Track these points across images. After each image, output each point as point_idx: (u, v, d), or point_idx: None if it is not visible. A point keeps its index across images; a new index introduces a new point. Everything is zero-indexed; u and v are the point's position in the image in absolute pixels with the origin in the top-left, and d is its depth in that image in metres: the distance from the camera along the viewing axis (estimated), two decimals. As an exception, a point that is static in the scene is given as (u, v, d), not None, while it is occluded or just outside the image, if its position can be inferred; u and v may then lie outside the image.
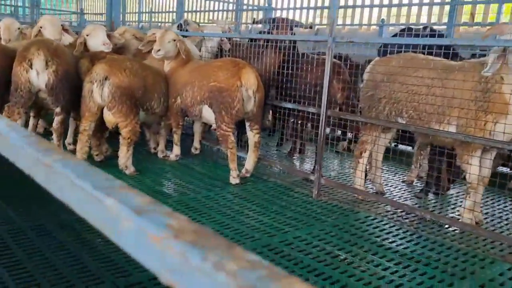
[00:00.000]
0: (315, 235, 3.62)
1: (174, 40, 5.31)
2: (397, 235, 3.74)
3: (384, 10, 13.82)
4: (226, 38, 6.12)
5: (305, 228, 3.75)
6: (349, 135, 6.60)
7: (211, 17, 14.16)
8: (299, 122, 6.03)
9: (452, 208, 4.57)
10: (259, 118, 5.08)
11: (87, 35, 5.53)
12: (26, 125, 5.47)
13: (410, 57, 4.31)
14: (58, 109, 4.66)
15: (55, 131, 4.74)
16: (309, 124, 6.39)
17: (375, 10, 13.88)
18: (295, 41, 5.47)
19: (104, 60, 4.92)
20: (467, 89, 3.82)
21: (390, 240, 3.62)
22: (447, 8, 12.70)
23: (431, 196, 4.85)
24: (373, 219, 4.07)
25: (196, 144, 6.10)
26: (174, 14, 16.48)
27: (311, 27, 5.54)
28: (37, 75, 4.45)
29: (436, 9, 13.81)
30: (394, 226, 3.93)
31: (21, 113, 4.59)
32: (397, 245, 3.53)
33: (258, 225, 3.76)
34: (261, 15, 10.95)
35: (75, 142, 5.49)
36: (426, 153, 5.56)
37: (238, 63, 4.91)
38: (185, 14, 9.75)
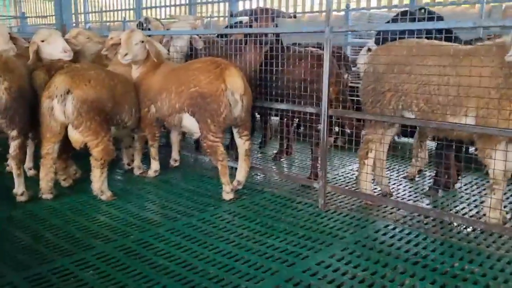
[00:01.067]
0: (339, 258, 3.13)
1: (143, 42, 4.67)
2: (426, 246, 3.31)
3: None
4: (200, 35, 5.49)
5: (324, 249, 3.26)
6: (336, 129, 6.17)
7: (168, 13, 13.38)
8: (286, 122, 5.54)
9: (468, 205, 4.21)
10: (248, 123, 4.53)
11: (42, 42, 4.77)
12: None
13: (415, 44, 3.89)
14: (14, 133, 3.92)
15: (13, 159, 4.00)
16: (295, 124, 5.95)
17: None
18: (278, 34, 4.93)
19: (63, 71, 4.20)
20: (486, 76, 3.42)
21: (422, 254, 3.18)
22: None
23: (440, 192, 4.47)
24: (393, 229, 3.63)
25: (175, 155, 5.49)
26: (125, 12, 15.58)
27: (294, 17, 5.00)
28: (-15, 94, 3.70)
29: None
30: (418, 235, 3.50)
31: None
32: (432, 260, 3.09)
33: (271, 252, 3.23)
34: (222, 8, 10.33)
35: (36, 166, 4.76)
36: (425, 145, 5.21)
37: (220, 63, 4.33)
38: (143, 11, 8.99)
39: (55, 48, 4.78)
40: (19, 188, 4.10)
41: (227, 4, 10.47)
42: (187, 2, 13.56)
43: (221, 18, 13.25)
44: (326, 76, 3.90)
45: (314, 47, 5.31)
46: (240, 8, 9.54)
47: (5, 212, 3.92)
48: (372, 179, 4.41)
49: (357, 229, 3.63)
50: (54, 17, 14.99)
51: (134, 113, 4.69)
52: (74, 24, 6.84)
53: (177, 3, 14.39)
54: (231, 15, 5.28)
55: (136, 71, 4.83)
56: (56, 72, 4.29)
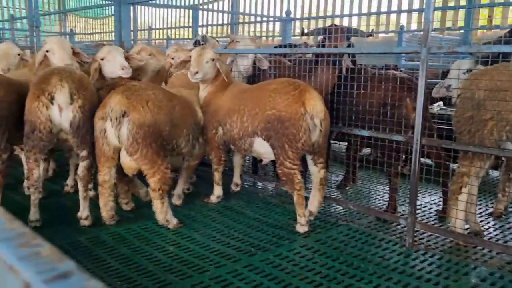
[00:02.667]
0: (450, 312, 2.73)
1: (213, 60, 4.42)
2: (548, 302, 2.86)
3: (390, 16, 13.16)
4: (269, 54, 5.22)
5: (430, 300, 2.86)
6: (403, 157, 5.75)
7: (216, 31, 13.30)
8: (355, 148, 5.17)
9: None
10: (324, 150, 4.19)
11: (101, 60, 4.57)
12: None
13: (523, 69, 3.49)
14: (84, 153, 3.71)
15: (81, 180, 3.78)
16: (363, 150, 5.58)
17: (383, 17, 13.21)
18: (354, 55, 4.62)
19: (119, 90, 3.79)
20: None
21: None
22: (461, 12, 12.18)
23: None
24: (500, 277, 3.18)
25: (237, 179, 5.16)
26: (171, 30, 15.67)
27: (371, 35, 4.68)
28: (60, 111, 3.51)
29: (450, 14, 13.26)
30: (535, 287, 3.05)
31: (39, 160, 3.63)
32: None
33: (368, 300, 2.85)
34: (277, 27, 10.13)
35: (96, 187, 4.54)
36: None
37: (299, 85, 4.03)
38: (199, 29, 8.87)
39: (113, 66, 4.54)
40: (84, 211, 3.87)
41: (278, 24, 10.26)
42: (234, 21, 13.49)
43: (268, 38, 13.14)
44: (421, 101, 3.53)
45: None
46: (292, 27, 9.34)
47: (71, 237, 3.68)
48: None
49: (459, 276, 3.20)
50: (99, 34, 15.24)
51: (191, 139, 4.28)
52: (132, 42, 6.72)
53: (224, 22, 14.40)
54: (302, 34, 4.96)
55: (204, 90, 4.58)
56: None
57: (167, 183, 3.86)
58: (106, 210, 3.92)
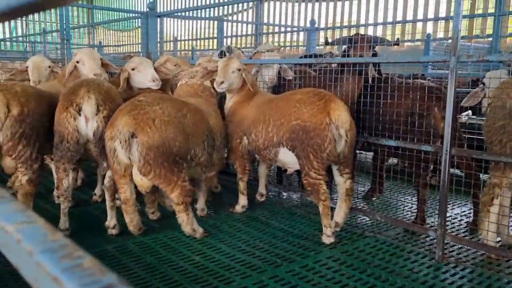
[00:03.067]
0: (483, 328, 2.64)
1: (239, 70, 4.45)
2: None
3: (416, 24, 12.99)
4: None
5: (461, 315, 2.77)
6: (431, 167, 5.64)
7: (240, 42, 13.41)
8: (381, 157, 5.11)
9: None
10: (350, 160, 4.14)
11: (132, 70, 4.67)
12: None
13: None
14: (105, 164, 3.77)
15: (108, 190, 3.85)
16: (390, 160, 5.50)
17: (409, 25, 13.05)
18: (379, 64, 4.58)
19: (125, 109, 3.60)
20: None
21: None
22: (489, 20, 11.93)
23: None
24: (537, 293, 3.08)
25: (262, 189, 5.14)
26: (196, 41, 15.88)
27: (397, 44, 4.63)
28: (86, 122, 3.59)
29: (477, 21, 13.00)
30: None
31: (68, 170, 3.71)
32: None
33: (397, 314, 2.79)
34: (302, 37, 10.14)
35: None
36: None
37: (324, 95, 4.01)
38: (225, 40, 8.95)
39: (144, 77, 4.63)
40: (111, 220, 3.93)
41: (302, 34, 10.27)
42: (259, 32, 13.55)
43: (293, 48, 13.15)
44: (450, 110, 3.46)
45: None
46: (317, 37, 9.33)
47: (99, 246, 3.73)
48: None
49: (492, 291, 3.10)
50: (126, 46, 15.60)
51: (206, 147, 4.08)
52: (158, 53, 6.83)
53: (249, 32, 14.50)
54: (326, 43, 4.96)
55: (230, 100, 4.62)
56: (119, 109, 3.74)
57: (188, 195, 3.79)
58: (133, 225, 3.91)
